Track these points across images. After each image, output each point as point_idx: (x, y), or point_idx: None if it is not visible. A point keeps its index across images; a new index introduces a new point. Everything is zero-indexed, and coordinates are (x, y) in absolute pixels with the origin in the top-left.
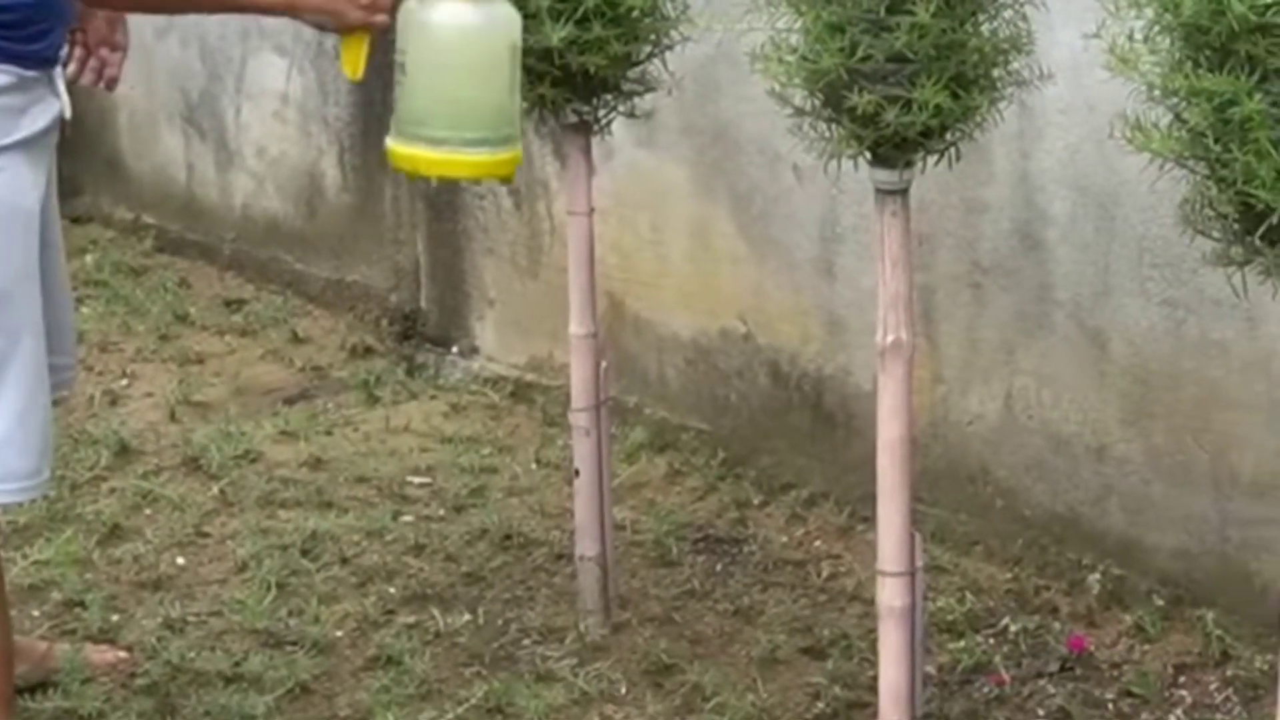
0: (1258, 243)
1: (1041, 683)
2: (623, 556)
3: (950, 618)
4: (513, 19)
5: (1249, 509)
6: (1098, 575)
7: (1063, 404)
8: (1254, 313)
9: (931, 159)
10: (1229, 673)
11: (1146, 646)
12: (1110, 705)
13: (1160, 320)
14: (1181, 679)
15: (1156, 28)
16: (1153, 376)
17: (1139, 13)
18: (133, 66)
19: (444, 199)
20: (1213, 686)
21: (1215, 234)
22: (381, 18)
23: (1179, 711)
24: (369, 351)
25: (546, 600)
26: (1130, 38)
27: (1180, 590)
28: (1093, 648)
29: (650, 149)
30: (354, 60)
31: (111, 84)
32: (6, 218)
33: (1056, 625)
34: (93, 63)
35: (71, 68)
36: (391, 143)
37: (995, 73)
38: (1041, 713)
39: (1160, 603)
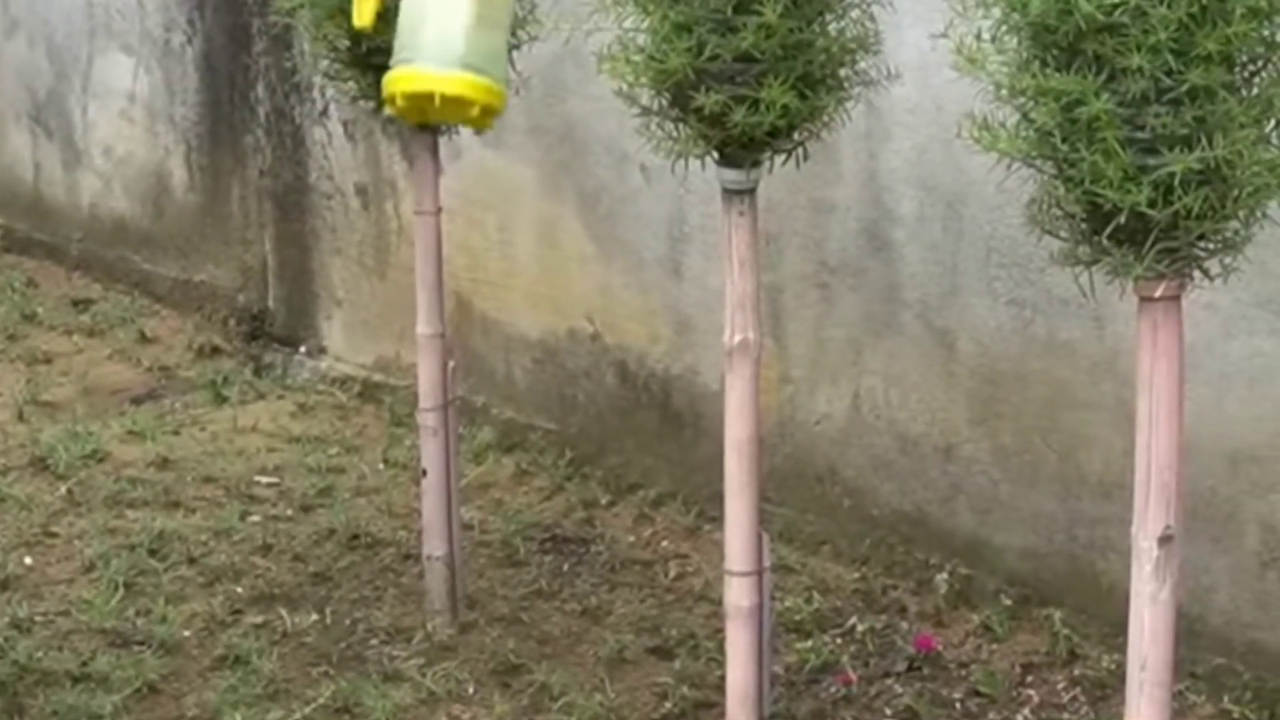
0: (1105, 242)
1: (889, 682)
2: (470, 556)
3: (798, 617)
4: None
5: (1096, 508)
6: (945, 575)
7: (910, 404)
8: (1101, 312)
9: (779, 159)
10: (1076, 672)
11: (994, 646)
12: (958, 705)
13: (1008, 320)
14: (1029, 678)
15: (1004, 27)
16: (1000, 376)
17: (986, 12)
18: None
19: (291, 199)
20: (1060, 686)
21: (1063, 233)
22: None
23: (1026, 711)
24: (216, 351)
25: (394, 600)
26: (978, 37)
27: (1028, 590)
28: (940, 647)
29: (498, 149)
30: (363, 9)
31: None
32: None
33: (904, 625)
34: None
35: None
36: (394, 71)
37: (843, 72)
38: (889, 712)
39: (1008, 602)
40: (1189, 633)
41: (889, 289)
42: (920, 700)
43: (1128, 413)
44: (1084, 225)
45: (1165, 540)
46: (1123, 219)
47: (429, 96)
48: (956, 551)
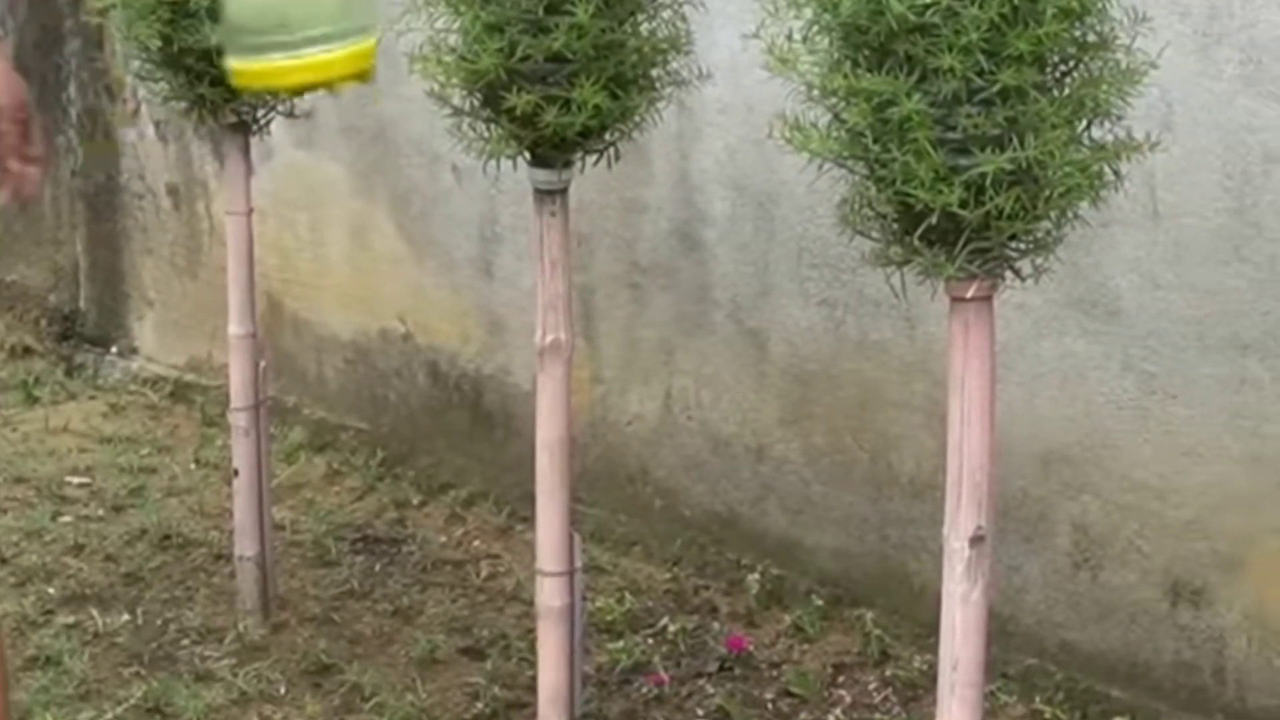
0: (916, 243)
1: (700, 683)
2: (282, 556)
3: (609, 618)
4: None
5: (908, 509)
6: (757, 575)
7: (722, 404)
8: (912, 313)
9: (590, 159)
10: (888, 672)
11: (806, 646)
12: (769, 705)
13: (819, 320)
14: (841, 679)
15: (815, 28)
16: (812, 377)
17: (798, 13)
18: None
19: (103, 199)
20: (872, 686)
21: (874, 234)
22: None
23: (838, 711)
24: (28, 352)
25: (206, 600)
26: (789, 37)
27: (839, 590)
28: (752, 647)
29: (309, 149)
30: None
31: (27, 201)
32: None
33: (715, 625)
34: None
35: None
36: (234, 62)
37: (654, 73)
38: (700, 713)
39: (819, 603)
40: (1001, 633)
41: (700, 289)
42: (732, 700)
43: (939, 413)
44: (895, 226)
45: (977, 541)
46: (934, 219)
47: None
48: (768, 552)
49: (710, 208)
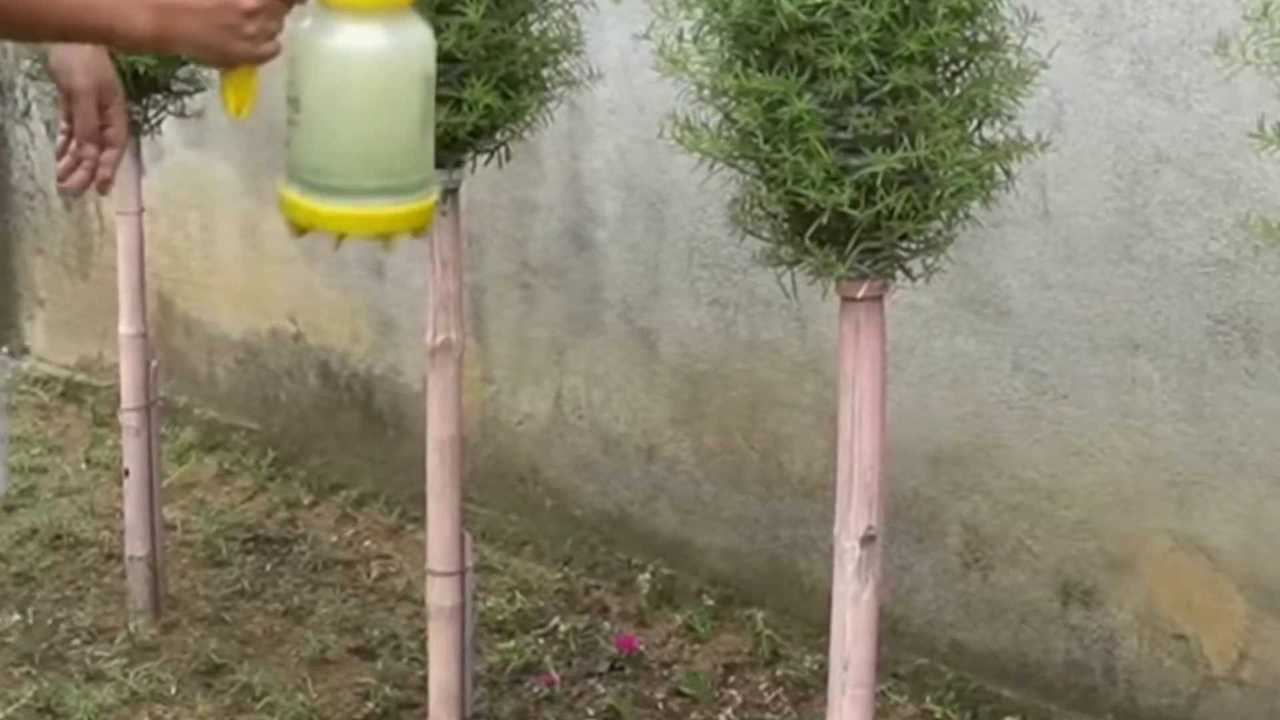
0: (807, 243)
1: (592, 682)
2: (173, 556)
3: (500, 618)
4: (427, 43)
5: (799, 509)
6: (648, 575)
7: (613, 404)
8: (804, 313)
9: (481, 159)
10: (779, 672)
11: (697, 646)
12: (660, 705)
13: (710, 320)
14: (732, 678)
15: (706, 27)
16: (703, 376)
17: (689, 12)
18: None
19: None
20: (763, 686)
21: (765, 234)
22: (270, 47)
23: (729, 711)
24: None
25: (96, 600)
26: (680, 37)
27: (730, 590)
28: (643, 647)
29: (200, 149)
30: (239, 96)
31: (105, 186)
32: None
33: (606, 625)
34: (84, 161)
35: (63, 162)
36: (286, 191)
37: (545, 72)
38: (591, 712)
39: (710, 602)
40: (891, 633)
41: (591, 289)
42: (623, 700)
43: (830, 413)
44: (786, 225)
45: (868, 540)
46: (825, 219)
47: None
48: (659, 552)
49: (601, 207)
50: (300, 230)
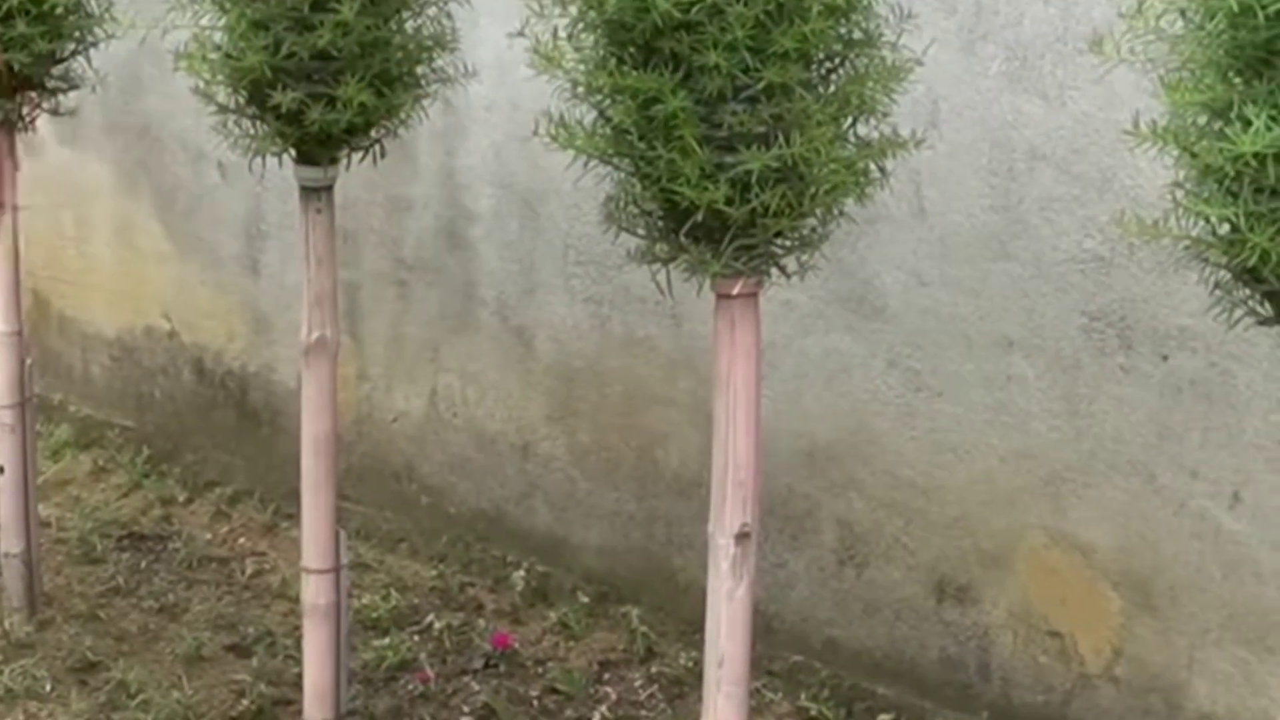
0: (682, 240)
1: (467, 680)
2: (48, 553)
3: (375, 615)
4: None
5: (674, 506)
6: (523, 572)
7: (488, 401)
8: (678, 310)
9: (356, 156)
10: (654, 669)
11: (571, 643)
12: (535, 702)
13: (585, 318)
14: (606, 675)
15: (580, 25)
16: (577, 374)
17: (563, 10)
18: None
19: None
20: (638, 683)
21: (640, 231)
22: None
23: (604, 708)
24: None
25: None
26: (555, 35)
27: (605, 587)
28: (518, 644)
29: (74, 146)
30: None
31: None
32: None
33: (481, 622)
34: None
35: None
36: None
37: (420, 70)
38: (466, 709)
39: (585, 600)
40: (766, 630)
41: (466, 286)
42: (498, 698)
43: (705, 410)
44: (661, 223)
45: (742, 538)
46: (700, 216)
47: None
48: (534, 549)
49: (476, 205)
50: None
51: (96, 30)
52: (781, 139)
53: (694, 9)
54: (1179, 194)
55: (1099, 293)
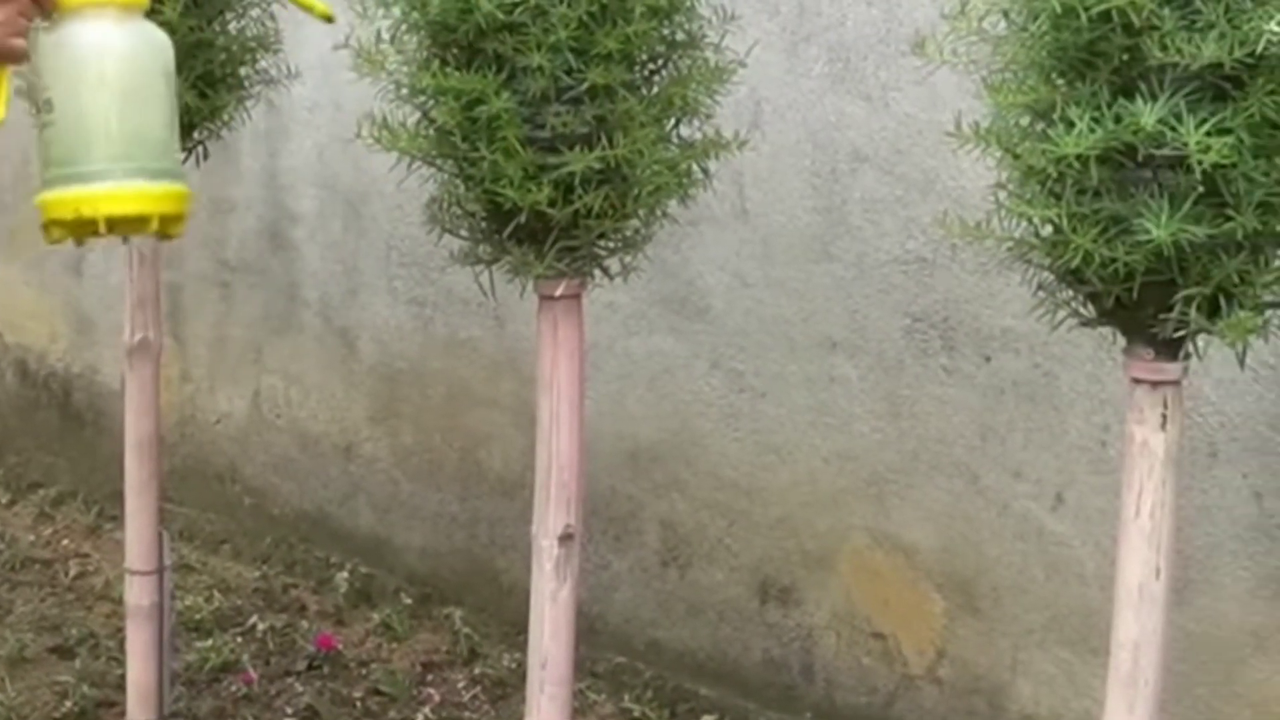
0: (505, 241)
1: (290, 681)
2: None
3: (198, 616)
4: (165, 42)
5: (497, 507)
6: (346, 574)
7: (311, 402)
8: (501, 311)
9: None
10: (477, 671)
11: (395, 645)
12: (358, 703)
13: (408, 319)
14: (430, 677)
15: (404, 26)
16: (401, 375)
17: (387, 12)
18: None
19: None
20: (461, 684)
21: (463, 233)
22: (18, 42)
23: (427, 710)
24: None
25: None
26: (378, 38)
27: (428, 589)
28: (341, 646)
29: None
30: None
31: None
32: None
33: (305, 624)
34: None
35: None
36: (44, 195)
37: (243, 71)
38: (290, 711)
39: (408, 601)
40: (590, 631)
41: (290, 287)
42: (321, 699)
43: (529, 411)
44: (484, 224)
45: (566, 539)
46: (523, 218)
47: (137, 219)
48: (357, 550)
49: (299, 207)
50: (64, 230)
51: None
52: (605, 140)
53: (517, 10)
54: (1002, 195)
55: (922, 294)
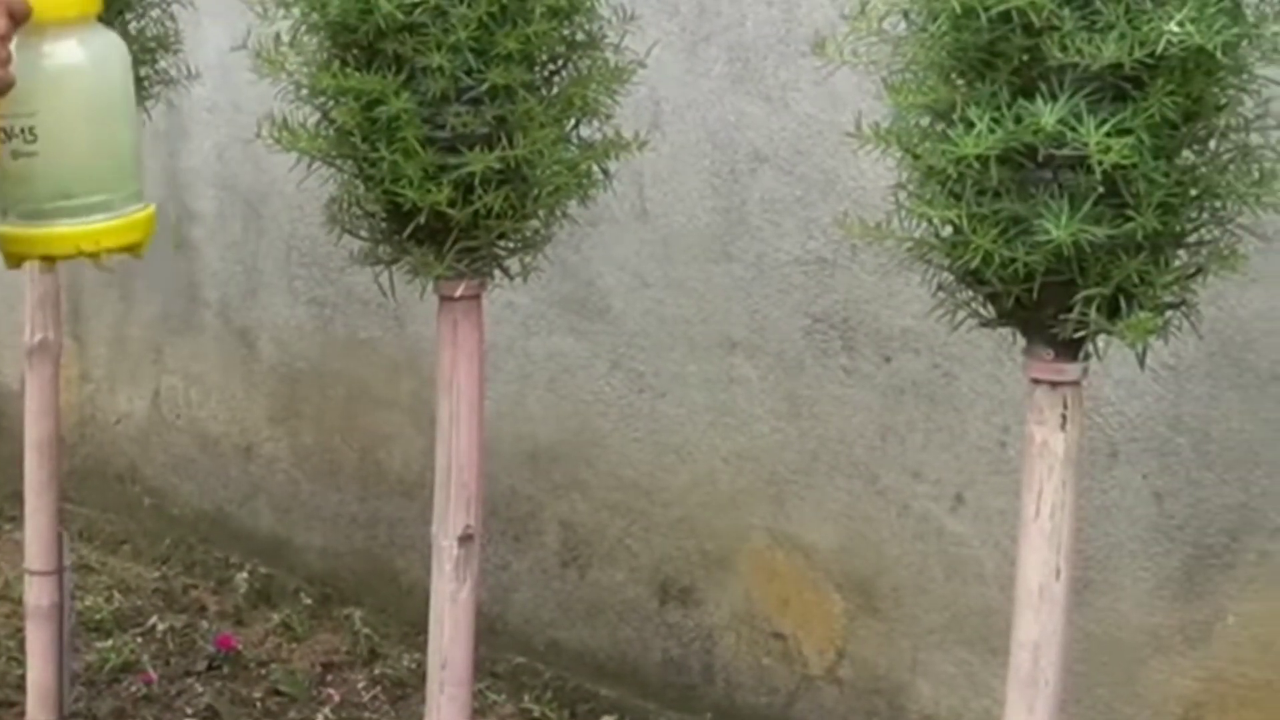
0: (405, 241)
1: (190, 681)
2: None
3: (98, 617)
4: (126, 50)
5: (397, 508)
6: (246, 574)
7: (211, 403)
8: (401, 312)
9: None
10: (377, 671)
11: (294, 645)
12: (259, 704)
13: (308, 319)
14: (330, 677)
15: (303, 27)
16: (301, 375)
17: (286, 13)
18: None
19: None
20: (361, 685)
21: (363, 233)
22: (4, 72)
23: (327, 710)
24: None
25: None
26: (277, 39)
27: (328, 589)
28: (241, 646)
29: None
30: None
31: None
32: None
33: (205, 624)
34: None
35: None
36: (27, 229)
37: (143, 72)
38: (190, 711)
39: (308, 601)
40: (490, 632)
41: (189, 288)
42: (221, 699)
43: (429, 412)
44: (384, 224)
45: (466, 539)
46: (423, 218)
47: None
48: (257, 551)
49: (199, 207)
50: (48, 262)
51: None
52: (505, 141)
53: (417, 11)
54: (902, 196)
55: (822, 294)
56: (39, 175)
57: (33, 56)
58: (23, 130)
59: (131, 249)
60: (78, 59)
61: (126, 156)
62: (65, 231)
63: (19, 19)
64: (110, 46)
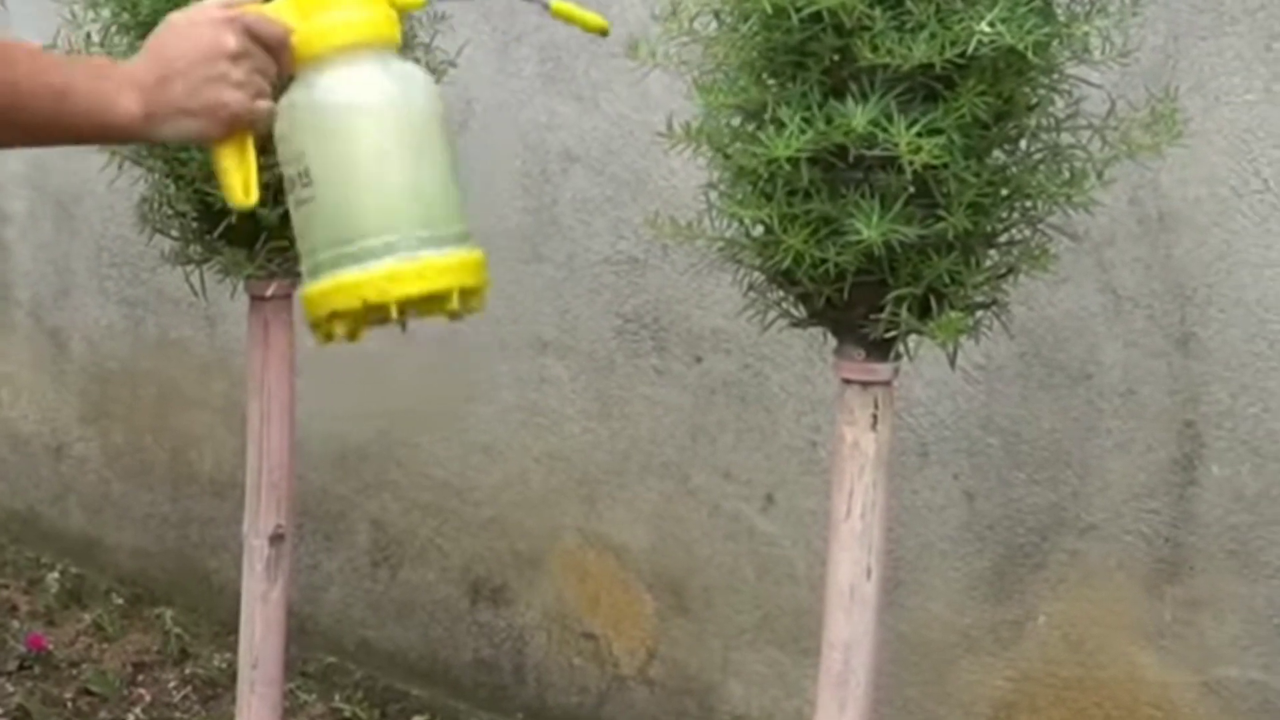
0: (216, 241)
1: (0, 681)
2: None
3: None
4: (430, 81)
5: (208, 508)
6: (57, 574)
7: (21, 402)
8: (212, 311)
9: None
10: (188, 671)
11: (105, 645)
12: (69, 704)
13: (119, 319)
14: (141, 677)
15: (114, 28)
16: (112, 375)
17: (96, 14)
18: None
19: None
20: (171, 684)
21: (174, 233)
22: (264, 103)
23: (138, 710)
24: None
25: None
26: (88, 39)
27: (140, 589)
28: (51, 646)
29: None
30: (244, 173)
31: None
32: None
33: (15, 624)
34: None
35: None
36: (317, 285)
37: None
38: (0, 711)
39: (120, 601)
40: (300, 631)
41: (1, 288)
42: (32, 699)
43: (240, 412)
44: (195, 224)
45: (277, 539)
46: (233, 218)
47: (431, 297)
48: (68, 550)
49: (10, 207)
50: (347, 322)
51: None
52: None
53: None
54: (713, 196)
55: (633, 294)
56: (317, 223)
57: (312, 92)
58: (300, 174)
59: (439, 301)
60: (360, 91)
61: (427, 196)
62: (344, 280)
63: (284, 62)
64: (407, 77)
